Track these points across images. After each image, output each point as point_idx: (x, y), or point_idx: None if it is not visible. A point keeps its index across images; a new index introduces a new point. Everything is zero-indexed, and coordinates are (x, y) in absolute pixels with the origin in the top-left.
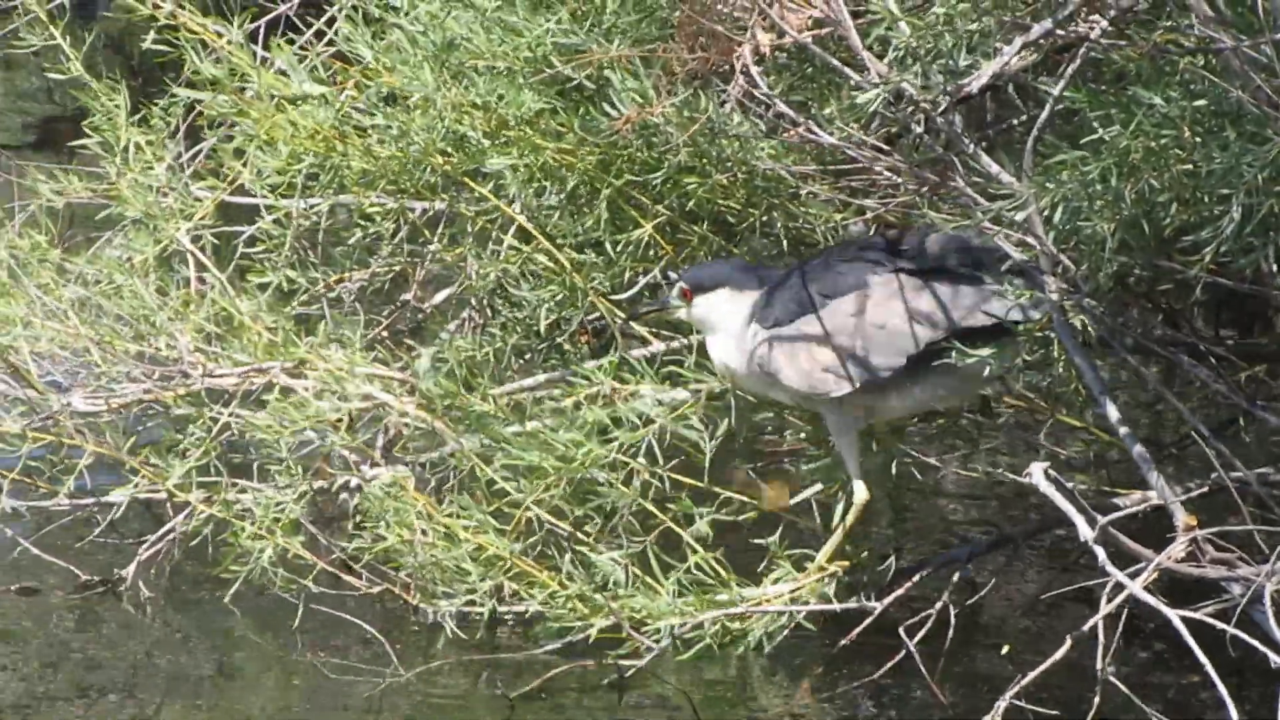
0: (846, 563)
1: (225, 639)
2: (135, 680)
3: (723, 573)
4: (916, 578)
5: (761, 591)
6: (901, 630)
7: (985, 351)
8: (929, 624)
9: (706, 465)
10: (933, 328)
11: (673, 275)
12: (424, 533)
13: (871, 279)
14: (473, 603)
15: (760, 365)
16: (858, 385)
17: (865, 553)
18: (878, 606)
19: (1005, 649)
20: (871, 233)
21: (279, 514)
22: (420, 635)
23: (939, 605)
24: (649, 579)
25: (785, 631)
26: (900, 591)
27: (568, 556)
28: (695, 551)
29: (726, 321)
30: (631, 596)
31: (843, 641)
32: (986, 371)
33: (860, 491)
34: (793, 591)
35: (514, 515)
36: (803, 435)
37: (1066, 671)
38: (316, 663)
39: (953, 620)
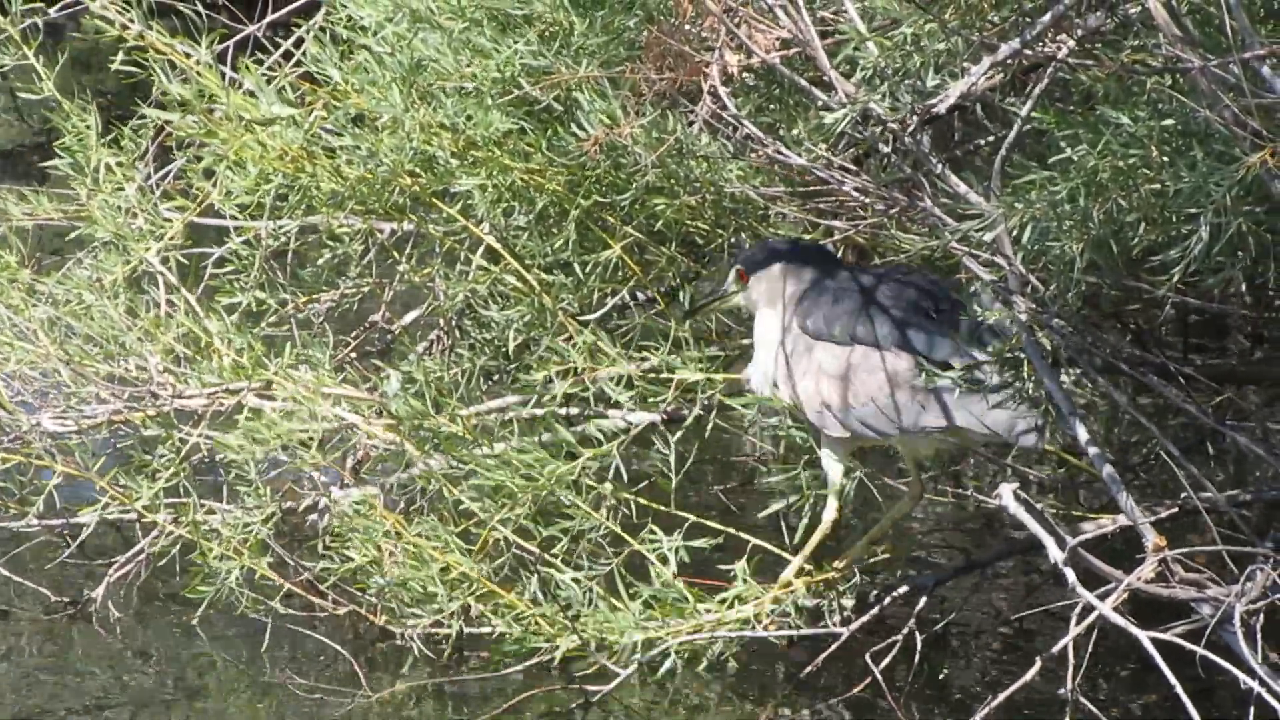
0: (809, 579)
1: (194, 660)
2: (104, 701)
3: (687, 593)
4: (884, 602)
5: (723, 608)
6: (868, 656)
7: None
8: (895, 649)
9: (672, 490)
10: (936, 418)
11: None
12: (391, 552)
13: (895, 345)
14: (439, 623)
15: (780, 366)
16: (848, 435)
17: (834, 573)
18: (844, 632)
19: (943, 673)
20: (842, 252)
21: (246, 534)
22: (388, 656)
23: (904, 632)
24: (615, 601)
25: (751, 643)
26: (866, 618)
27: (535, 578)
28: (660, 572)
29: (780, 299)
30: (596, 613)
31: (808, 668)
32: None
33: (831, 510)
34: (755, 602)
35: (481, 536)
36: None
37: (1036, 692)
38: (285, 683)
39: (919, 645)
